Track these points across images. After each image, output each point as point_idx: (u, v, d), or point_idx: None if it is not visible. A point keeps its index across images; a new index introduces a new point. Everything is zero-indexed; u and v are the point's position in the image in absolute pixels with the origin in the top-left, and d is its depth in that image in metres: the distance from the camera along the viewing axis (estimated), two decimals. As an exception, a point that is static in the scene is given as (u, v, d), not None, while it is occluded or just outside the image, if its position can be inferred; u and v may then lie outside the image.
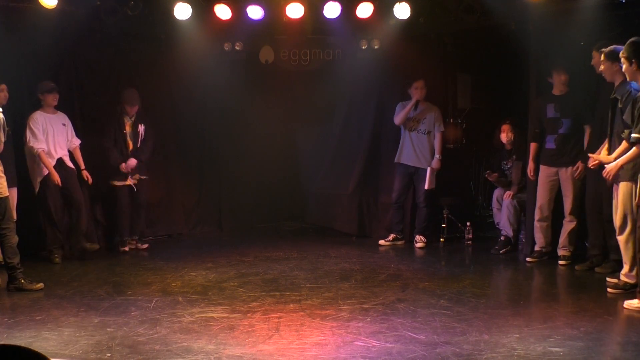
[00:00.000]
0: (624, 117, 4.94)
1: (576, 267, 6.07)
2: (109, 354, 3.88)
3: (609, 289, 5.19)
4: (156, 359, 3.81)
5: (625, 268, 5.14)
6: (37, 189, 6.51)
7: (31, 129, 6.42)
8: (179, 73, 7.96)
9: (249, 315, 4.68)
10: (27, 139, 6.41)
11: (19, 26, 6.53)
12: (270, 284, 5.63)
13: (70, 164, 6.72)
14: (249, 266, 6.35)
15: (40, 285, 5.49)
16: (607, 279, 5.38)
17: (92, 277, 5.96)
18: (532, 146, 6.52)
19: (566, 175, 6.26)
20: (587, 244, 6.40)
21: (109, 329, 4.35)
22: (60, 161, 6.61)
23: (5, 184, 5.43)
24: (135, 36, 7.57)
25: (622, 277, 5.17)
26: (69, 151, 6.78)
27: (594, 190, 5.85)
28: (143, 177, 7.26)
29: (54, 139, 6.56)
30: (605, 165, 5.06)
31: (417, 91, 7.26)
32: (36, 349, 3.99)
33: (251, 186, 8.79)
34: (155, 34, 7.57)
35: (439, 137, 7.38)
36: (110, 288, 5.50)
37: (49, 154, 6.50)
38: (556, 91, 6.36)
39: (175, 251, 7.20)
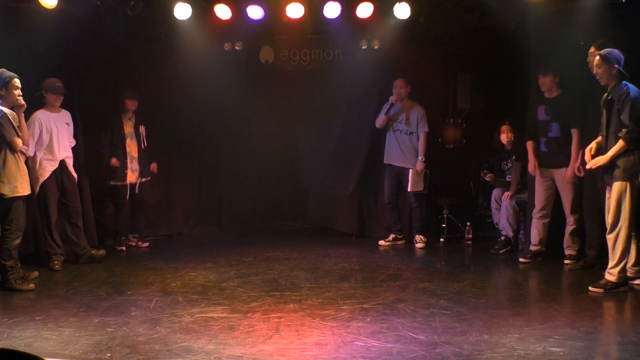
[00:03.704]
0: (621, 117, 4.98)
1: (572, 267, 6.09)
2: (109, 354, 3.87)
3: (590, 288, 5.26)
4: (156, 359, 3.81)
5: (611, 264, 5.20)
6: (36, 192, 6.17)
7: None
8: (179, 73, 7.95)
9: (249, 315, 4.67)
10: None
11: (19, 26, 6.52)
12: (270, 284, 5.63)
13: (72, 170, 6.42)
14: (249, 266, 6.35)
15: (32, 285, 5.44)
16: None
17: (92, 277, 5.95)
18: (530, 144, 6.48)
19: (561, 176, 6.25)
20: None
21: (109, 329, 4.35)
22: (62, 164, 6.31)
23: (17, 185, 5.32)
24: (135, 36, 7.58)
25: (607, 276, 5.23)
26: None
27: (591, 191, 5.86)
28: (144, 180, 7.30)
29: (58, 139, 6.23)
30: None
31: (394, 90, 7.22)
32: (36, 349, 3.99)
33: (251, 186, 8.79)
34: (155, 34, 7.58)
35: (422, 137, 7.26)
36: (110, 288, 5.50)
37: (51, 154, 6.21)
38: (547, 94, 6.32)
39: (175, 251, 7.20)
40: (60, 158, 6.28)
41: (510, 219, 6.91)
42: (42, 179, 6.17)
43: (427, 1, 7.12)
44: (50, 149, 6.21)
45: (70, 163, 6.42)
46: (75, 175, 6.48)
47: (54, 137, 6.22)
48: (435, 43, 7.74)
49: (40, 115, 6.20)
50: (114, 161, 6.95)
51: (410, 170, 7.23)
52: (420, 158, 7.24)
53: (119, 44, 7.49)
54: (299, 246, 7.38)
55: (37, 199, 6.23)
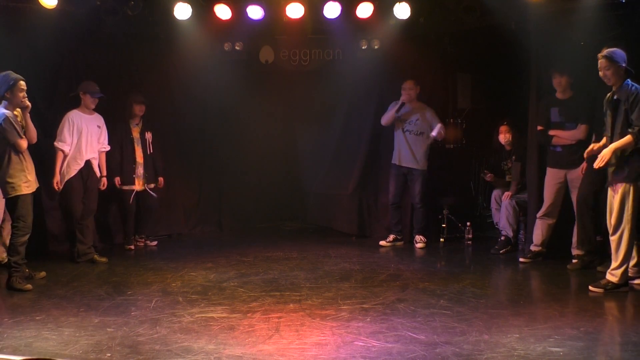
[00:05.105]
0: (632, 117, 4.96)
1: (571, 267, 6.10)
2: (109, 354, 3.87)
3: (591, 288, 5.26)
4: (156, 359, 3.81)
5: (613, 265, 5.19)
6: (60, 189, 6.42)
7: (61, 128, 6.40)
8: (179, 73, 7.98)
9: (249, 315, 4.68)
10: (56, 136, 6.39)
11: (19, 26, 6.54)
12: (270, 284, 5.63)
13: (97, 170, 6.62)
14: (249, 266, 6.36)
15: (29, 286, 5.43)
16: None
17: (92, 277, 5.96)
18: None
19: (575, 176, 6.21)
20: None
21: (109, 329, 4.35)
22: (87, 164, 6.51)
23: (22, 184, 5.36)
24: (135, 36, 7.57)
25: (609, 277, 5.23)
26: None
27: (587, 190, 5.84)
28: (152, 186, 7.33)
29: (86, 139, 6.47)
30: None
31: (404, 92, 7.21)
32: (36, 349, 3.99)
33: (251, 186, 8.80)
34: (155, 34, 7.58)
35: (440, 125, 7.21)
36: (110, 288, 5.50)
37: (79, 153, 6.42)
38: (559, 95, 6.28)
39: (175, 251, 7.21)
40: (86, 158, 6.50)
41: (510, 219, 6.91)
42: (67, 177, 6.39)
43: (427, 1, 7.12)
44: (78, 148, 6.44)
45: (95, 164, 6.63)
46: (98, 174, 6.66)
47: (82, 138, 6.46)
48: (435, 43, 7.73)
49: (73, 115, 6.47)
50: (117, 181, 7.06)
51: (438, 125, 7.14)
52: (439, 124, 7.16)
53: (119, 44, 7.50)
54: (299, 246, 7.39)
55: (60, 197, 6.50)
